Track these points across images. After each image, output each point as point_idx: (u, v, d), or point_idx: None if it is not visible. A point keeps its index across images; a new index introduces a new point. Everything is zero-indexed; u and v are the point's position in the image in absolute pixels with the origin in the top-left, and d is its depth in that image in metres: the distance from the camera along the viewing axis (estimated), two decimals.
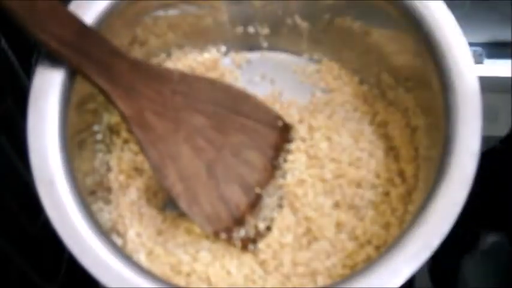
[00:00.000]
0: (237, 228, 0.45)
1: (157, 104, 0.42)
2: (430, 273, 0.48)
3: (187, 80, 0.44)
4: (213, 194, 0.44)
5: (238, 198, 0.45)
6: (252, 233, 0.45)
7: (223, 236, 0.44)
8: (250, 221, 0.45)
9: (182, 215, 0.45)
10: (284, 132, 0.48)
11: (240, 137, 0.46)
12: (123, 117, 0.42)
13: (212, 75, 0.52)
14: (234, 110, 0.46)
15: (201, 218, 0.44)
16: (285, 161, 0.48)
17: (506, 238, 0.49)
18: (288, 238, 0.45)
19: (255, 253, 0.45)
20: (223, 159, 0.45)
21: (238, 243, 0.45)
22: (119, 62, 0.41)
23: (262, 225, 0.45)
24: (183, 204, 0.43)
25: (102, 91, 0.41)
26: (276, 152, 0.47)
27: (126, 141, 0.49)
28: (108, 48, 0.41)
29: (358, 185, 0.46)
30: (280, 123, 0.48)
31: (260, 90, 0.51)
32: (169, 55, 0.52)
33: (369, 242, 0.44)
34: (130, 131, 0.42)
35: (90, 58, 0.40)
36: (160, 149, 0.42)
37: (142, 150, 0.42)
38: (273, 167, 0.47)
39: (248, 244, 0.45)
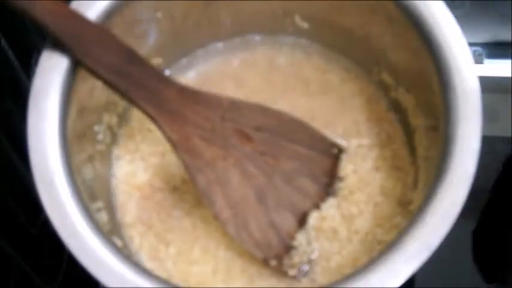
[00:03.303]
0: (288, 256, 0.44)
1: (205, 130, 0.42)
2: None
3: (237, 106, 0.44)
4: (263, 220, 0.44)
5: (290, 225, 0.44)
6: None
7: (273, 263, 0.43)
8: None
9: (186, 215, 0.45)
10: (340, 159, 0.47)
11: (292, 163, 0.45)
12: (170, 143, 0.42)
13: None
14: (286, 136, 0.45)
15: (251, 245, 0.43)
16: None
17: None
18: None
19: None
20: (274, 186, 0.44)
21: (289, 271, 0.43)
22: (166, 88, 0.41)
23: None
24: (231, 230, 0.43)
25: (149, 116, 0.41)
26: (331, 179, 0.46)
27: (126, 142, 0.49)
28: (155, 74, 0.41)
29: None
30: (335, 151, 0.47)
31: None
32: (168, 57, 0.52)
33: None
34: (177, 156, 0.42)
35: (137, 84, 0.40)
36: (208, 174, 0.42)
37: (190, 175, 0.42)
38: (327, 194, 0.46)
39: (298, 272, 0.44)
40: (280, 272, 0.44)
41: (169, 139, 0.42)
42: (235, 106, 0.44)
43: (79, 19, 0.40)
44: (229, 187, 0.43)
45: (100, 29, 0.41)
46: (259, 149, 0.44)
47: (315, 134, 0.46)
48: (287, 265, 0.43)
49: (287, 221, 0.44)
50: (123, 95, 0.41)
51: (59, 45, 0.40)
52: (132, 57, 0.41)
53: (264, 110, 0.45)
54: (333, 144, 0.47)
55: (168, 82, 0.42)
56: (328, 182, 0.46)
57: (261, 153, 0.44)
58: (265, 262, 0.43)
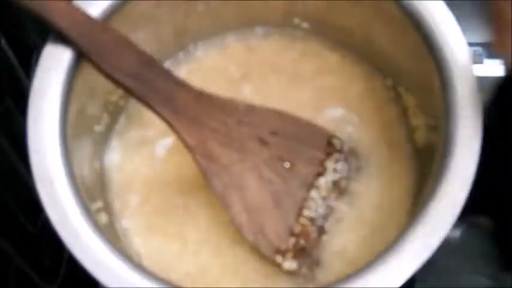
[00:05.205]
0: (303, 259, 0.44)
1: (221, 134, 0.42)
2: None
3: (253, 111, 0.44)
4: (280, 224, 0.43)
5: (306, 229, 0.44)
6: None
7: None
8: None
9: (187, 216, 0.45)
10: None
11: (309, 168, 0.45)
12: (187, 147, 0.42)
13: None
14: (303, 141, 0.45)
15: (267, 249, 0.43)
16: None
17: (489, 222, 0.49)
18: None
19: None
20: (291, 190, 0.44)
21: (304, 273, 0.44)
22: (183, 93, 0.41)
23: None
24: (247, 234, 0.43)
25: (165, 121, 0.41)
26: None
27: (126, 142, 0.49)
28: (172, 79, 0.41)
29: None
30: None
31: None
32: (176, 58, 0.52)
33: None
34: (194, 160, 0.42)
35: (154, 89, 0.40)
36: (225, 179, 0.42)
37: (206, 179, 0.42)
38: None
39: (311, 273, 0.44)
40: (295, 273, 0.43)
41: (186, 143, 0.42)
42: (251, 111, 0.44)
43: (96, 25, 0.41)
44: (246, 191, 0.43)
45: (116, 35, 0.41)
46: (276, 153, 0.44)
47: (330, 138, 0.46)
48: (302, 267, 0.43)
49: (303, 224, 0.44)
50: (140, 99, 0.41)
51: (80, 55, 0.40)
52: (149, 62, 0.41)
53: (280, 115, 0.45)
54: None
55: (185, 87, 0.42)
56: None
57: (278, 158, 0.44)
58: (280, 265, 0.43)
